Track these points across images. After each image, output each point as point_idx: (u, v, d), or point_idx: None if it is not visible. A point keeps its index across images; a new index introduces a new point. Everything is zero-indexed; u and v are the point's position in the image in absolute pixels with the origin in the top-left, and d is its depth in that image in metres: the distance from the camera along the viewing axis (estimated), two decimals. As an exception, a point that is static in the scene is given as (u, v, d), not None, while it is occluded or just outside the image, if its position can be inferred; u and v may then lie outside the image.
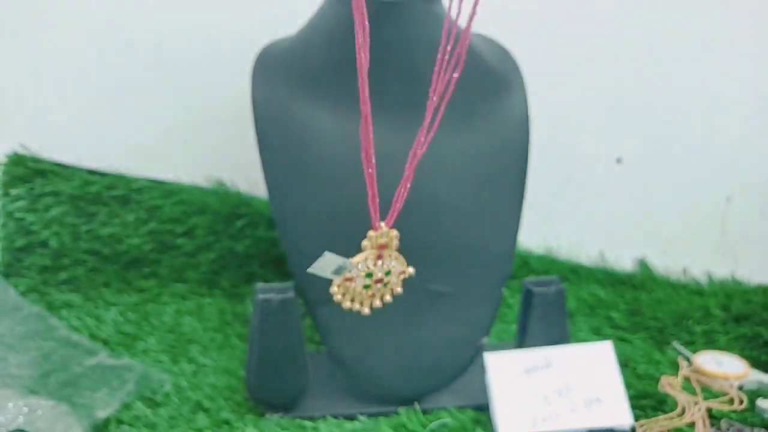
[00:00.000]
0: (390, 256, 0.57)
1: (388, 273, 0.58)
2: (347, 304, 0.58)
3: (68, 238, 0.88)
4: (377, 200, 0.56)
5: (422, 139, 0.57)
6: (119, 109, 0.89)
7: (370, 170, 0.55)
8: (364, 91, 0.53)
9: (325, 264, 0.54)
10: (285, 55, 0.67)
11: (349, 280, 0.56)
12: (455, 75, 0.57)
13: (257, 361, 0.63)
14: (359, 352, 0.64)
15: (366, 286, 0.57)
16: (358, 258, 0.56)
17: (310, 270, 0.54)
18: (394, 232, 0.57)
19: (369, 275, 0.57)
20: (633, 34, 0.88)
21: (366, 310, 0.58)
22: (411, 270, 0.59)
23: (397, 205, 0.56)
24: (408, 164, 0.57)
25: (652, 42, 0.88)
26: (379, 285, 0.58)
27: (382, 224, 0.56)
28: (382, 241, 0.56)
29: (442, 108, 0.57)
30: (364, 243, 0.56)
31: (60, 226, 0.88)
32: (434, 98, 0.57)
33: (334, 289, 0.57)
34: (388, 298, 0.59)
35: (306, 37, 0.67)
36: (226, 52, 0.87)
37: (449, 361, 0.66)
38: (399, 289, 0.59)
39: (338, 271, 0.55)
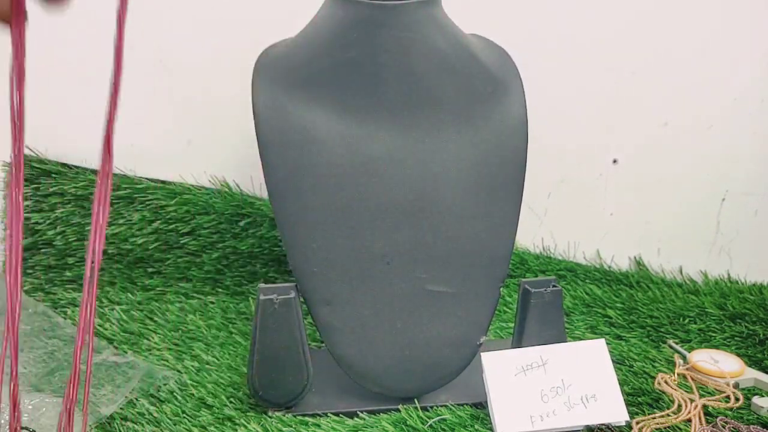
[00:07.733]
0: None
1: None
2: None
3: (73, 238, 0.89)
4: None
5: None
6: (124, 110, 0.88)
7: None
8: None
9: None
10: (284, 58, 0.68)
11: None
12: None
13: (259, 360, 0.63)
14: (360, 352, 0.65)
15: None
16: None
17: None
18: None
19: None
20: (629, 35, 0.88)
21: None
22: None
23: None
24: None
25: (647, 43, 0.88)
26: None
27: None
28: None
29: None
30: None
31: (65, 226, 0.89)
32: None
33: None
34: None
35: (305, 39, 0.67)
36: (230, 52, 0.87)
37: (448, 360, 0.66)
38: None
39: None
